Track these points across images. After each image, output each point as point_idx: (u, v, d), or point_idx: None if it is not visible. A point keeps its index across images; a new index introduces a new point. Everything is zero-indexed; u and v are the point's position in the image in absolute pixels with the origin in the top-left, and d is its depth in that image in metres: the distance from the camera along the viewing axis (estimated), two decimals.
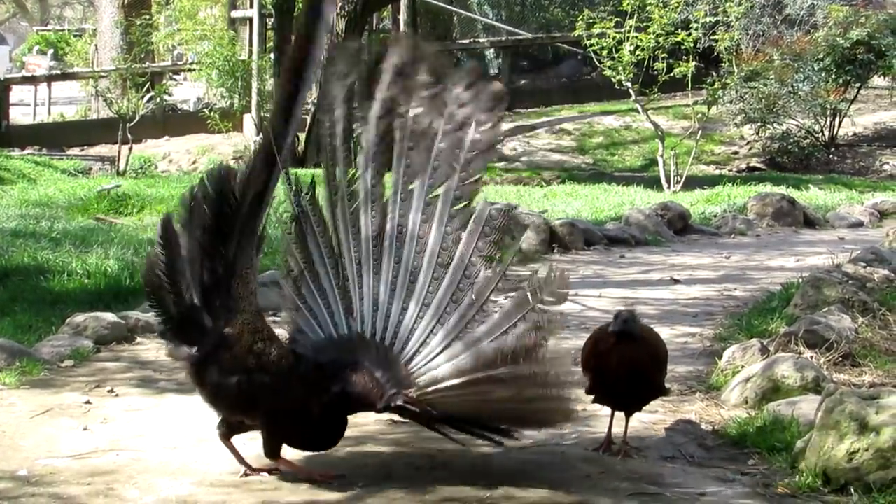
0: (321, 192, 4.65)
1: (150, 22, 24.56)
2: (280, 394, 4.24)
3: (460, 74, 4.60)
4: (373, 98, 4.59)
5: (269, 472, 4.38)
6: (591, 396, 4.67)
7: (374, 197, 4.56)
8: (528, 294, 4.23)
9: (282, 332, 4.66)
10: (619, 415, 4.70)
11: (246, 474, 4.37)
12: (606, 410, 4.75)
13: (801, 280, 7.70)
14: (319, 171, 4.68)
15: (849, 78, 21.53)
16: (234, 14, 25.21)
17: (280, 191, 4.50)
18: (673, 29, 17.35)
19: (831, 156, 22.05)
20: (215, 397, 4.31)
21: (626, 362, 4.49)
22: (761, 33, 22.95)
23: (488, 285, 4.32)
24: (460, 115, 4.51)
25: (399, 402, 4.24)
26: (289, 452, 4.41)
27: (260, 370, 4.23)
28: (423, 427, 4.52)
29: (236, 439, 4.44)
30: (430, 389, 4.23)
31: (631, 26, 17.28)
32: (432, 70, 4.58)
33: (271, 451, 4.35)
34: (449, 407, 4.27)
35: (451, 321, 4.31)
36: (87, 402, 5.35)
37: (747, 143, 22.81)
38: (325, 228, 4.59)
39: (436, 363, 4.27)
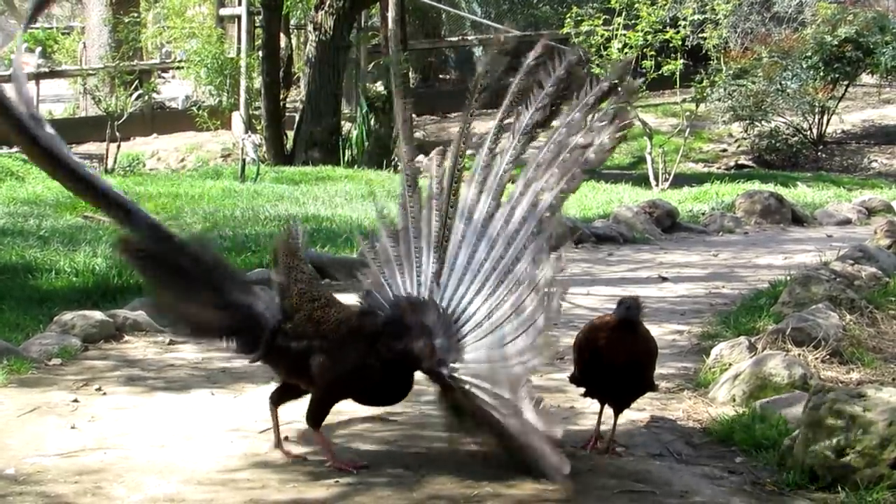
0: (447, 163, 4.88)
1: (139, 19, 24.50)
2: (339, 360, 4.35)
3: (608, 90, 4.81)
4: (529, 107, 4.82)
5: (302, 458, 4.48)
6: (582, 391, 4.69)
7: (498, 188, 4.77)
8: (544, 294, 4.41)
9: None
10: (607, 412, 4.71)
11: (279, 444, 4.54)
12: (594, 408, 4.76)
13: (788, 278, 7.71)
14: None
15: (837, 75, 21.59)
16: (223, 12, 25.17)
17: None
18: (661, 26, 17.37)
19: (819, 153, 22.11)
20: (279, 366, 4.51)
21: (624, 349, 4.49)
22: (749, 31, 22.99)
23: (533, 281, 4.50)
24: (589, 135, 4.75)
25: (443, 372, 4.32)
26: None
27: (319, 337, 4.35)
28: (413, 424, 4.52)
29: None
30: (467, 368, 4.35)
31: (619, 24, 17.30)
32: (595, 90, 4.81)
33: (314, 420, 4.44)
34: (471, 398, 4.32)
35: (498, 312, 4.47)
36: (75, 401, 5.33)
37: (735, 140, 22.86)
38: (442, 198, 4.78)
39: (475, 347, 4.41)
